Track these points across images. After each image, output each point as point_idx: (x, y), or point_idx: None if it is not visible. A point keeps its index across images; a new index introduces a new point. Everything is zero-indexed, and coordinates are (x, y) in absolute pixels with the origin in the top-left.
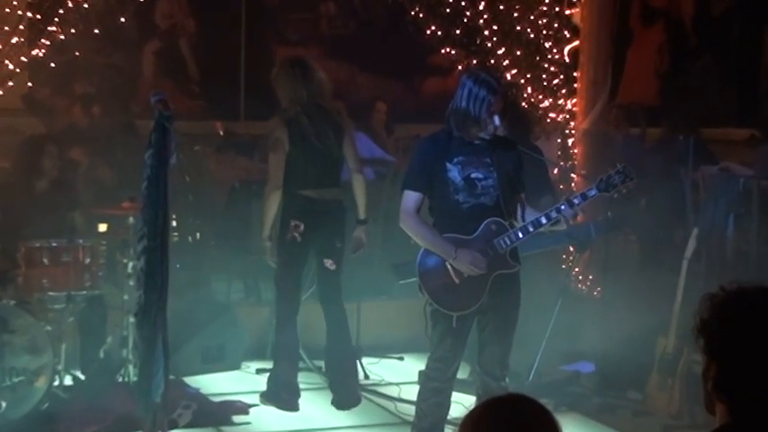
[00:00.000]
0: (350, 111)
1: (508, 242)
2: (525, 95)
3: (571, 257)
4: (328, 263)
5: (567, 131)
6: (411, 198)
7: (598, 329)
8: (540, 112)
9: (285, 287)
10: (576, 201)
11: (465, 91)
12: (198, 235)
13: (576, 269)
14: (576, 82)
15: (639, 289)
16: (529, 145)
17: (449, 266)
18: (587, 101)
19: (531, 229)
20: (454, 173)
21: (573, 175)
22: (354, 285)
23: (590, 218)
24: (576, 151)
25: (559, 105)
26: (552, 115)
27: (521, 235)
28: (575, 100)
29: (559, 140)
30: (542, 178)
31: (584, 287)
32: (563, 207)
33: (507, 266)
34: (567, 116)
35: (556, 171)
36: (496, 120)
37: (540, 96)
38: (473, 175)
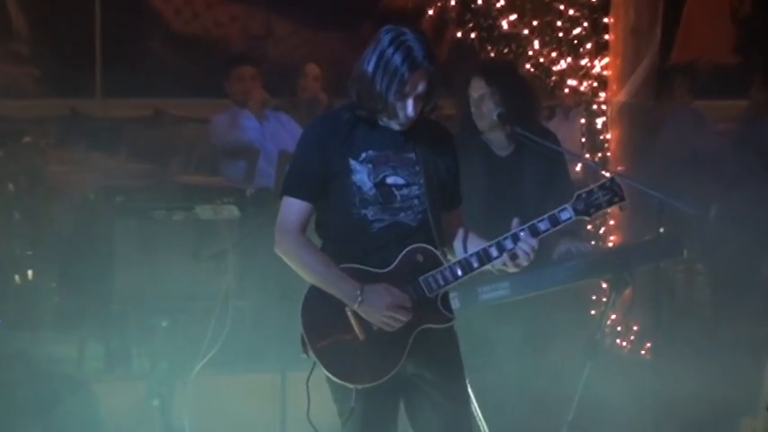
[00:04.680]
0: (267, 78)
1: (441, 282)
2: (531, 53)
3: (604, 299)
4: None
5: (596, 107)
6: (293, 209)
7: (647, 407)
8: (554, 77)
9: None
10: (541, 226)
11: (376, 51)
12: (30, 273)
13: (613, 317)
14: (607, 32)
15: (711, 346)
16: (536, 128)
17: (350, 314)
18: (625, 60)
19: (475, 265)
20: (362, 175)
21: (605, 172)
22: (276, 348)
23: (631, 238)
24: (609, 136)
25: (583, 68)
26: (572, 83)
27: (459, 273)
28: (606, 59)
29: (584, 120)
30: (557, 179)
31: (625, 344)
32: (522, 234)
33: (438, 318)
34: (596, 84)
35: (579, 167)
36: (410, 107)
37: (554, 54)
38: (389, 180)
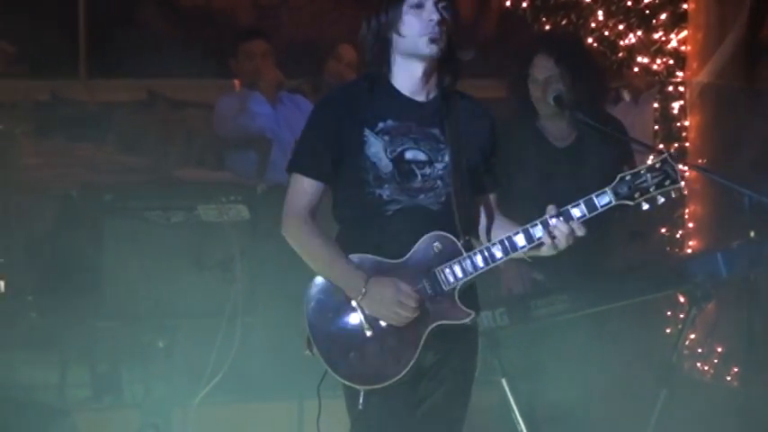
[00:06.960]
0: (280, 55)
1: (459, 274)
2: (593, 25)
3: (681, 315)
4: None
5: (672, 89)
6: (303, 188)
7: None
8: (622, 54)
9: None
10: (576, 212)
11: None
12: (2, 285)
13: (692, 336)
14: (685, 0)
15: None
16: (600, 114)
17: (356, 307)
18: (708, 33)
19: (498, 255)
20: (376, 148)
21: (683, 166)
22: (292, 373)
23: (715, 243)
24: (687, 124)
25: (656, 42)
26: (643, 60)
27: (480, 263)
28: (685, 32)
29: (657, 105)
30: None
31: (707, 368)
32: (553, 221)
33: (454, 314)
34: (672, 61)
35: (651, 159)
36: (433, 13)
37: (622, 26)
38: (409, 155)
